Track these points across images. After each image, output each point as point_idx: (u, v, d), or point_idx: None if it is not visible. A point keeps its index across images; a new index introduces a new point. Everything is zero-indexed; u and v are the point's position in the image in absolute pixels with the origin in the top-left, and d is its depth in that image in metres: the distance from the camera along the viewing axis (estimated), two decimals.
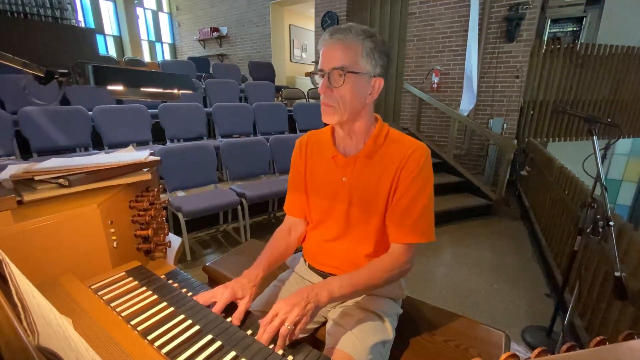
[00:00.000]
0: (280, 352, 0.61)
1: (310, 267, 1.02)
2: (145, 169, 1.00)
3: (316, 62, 6.09)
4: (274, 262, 0.94)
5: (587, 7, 5.35)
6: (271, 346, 0.62)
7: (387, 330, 0.88)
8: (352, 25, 0.80)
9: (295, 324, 0.66)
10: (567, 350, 0.33)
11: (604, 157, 1.51)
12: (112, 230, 0.84)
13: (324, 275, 0.98)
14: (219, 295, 0.74)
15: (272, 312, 0.68)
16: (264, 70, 6.66)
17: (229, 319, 0.69)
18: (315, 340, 0.98)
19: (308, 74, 8.21)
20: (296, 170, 1.01)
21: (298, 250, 1.10)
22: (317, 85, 0.84)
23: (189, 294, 0.76)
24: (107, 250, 0.83)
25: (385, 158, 0.87)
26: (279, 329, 0.64)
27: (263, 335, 0.64)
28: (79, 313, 0.63)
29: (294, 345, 0.65)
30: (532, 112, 4.58)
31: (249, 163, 3.10)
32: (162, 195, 1.05)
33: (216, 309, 0.72)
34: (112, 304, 0.69)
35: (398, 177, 0.85)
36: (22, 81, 3.05)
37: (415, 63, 4.92)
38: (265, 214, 3.38)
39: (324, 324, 0.99)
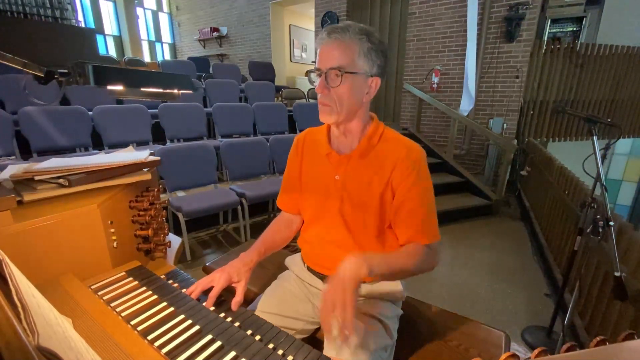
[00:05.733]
0: (281, 352, 0.61)
1: (309, 269, 1.01)
2: (145, 169, 1.00)
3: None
4: (269, 249, 0.98)
5: (587, 7, 5.35)
6: (271, 345, 0.62)
7: (388, 334, 0.87)
8: (349, 24, 0.79)
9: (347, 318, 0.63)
10: (567, 350, 0.33)
11: (604, 157, 1.51)
12: (112, 230, 0.84)
13: (323, 277, 0.97)
14: (216, 280, 0.79)
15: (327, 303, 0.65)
16: (264, 70, 6.66)
17: (229, 319, 0.69)
18: (315, 340, 0.98)
19: (307, 74, 8.20)
20: (292, 167, 1.02)
21: (296, 250, 1.10)
22: (314, 84, 0.83)
23: None
24: (107, 250, 0.83)
25: (379, 157, 0.86)
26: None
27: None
28: (79, 313, 0.63)
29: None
30: (532, 112, 4.58)
31: (249, 163, 3.10)
32: (162, 195, 1.05)
33: (213, 293, 0.76)
34: (112, 304, 0.69)
35: (392, 179, 0.84)
36: (22, 81, 3.04)
37: (415, 63, 4.91)
38: (265, 214, 3.38)
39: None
